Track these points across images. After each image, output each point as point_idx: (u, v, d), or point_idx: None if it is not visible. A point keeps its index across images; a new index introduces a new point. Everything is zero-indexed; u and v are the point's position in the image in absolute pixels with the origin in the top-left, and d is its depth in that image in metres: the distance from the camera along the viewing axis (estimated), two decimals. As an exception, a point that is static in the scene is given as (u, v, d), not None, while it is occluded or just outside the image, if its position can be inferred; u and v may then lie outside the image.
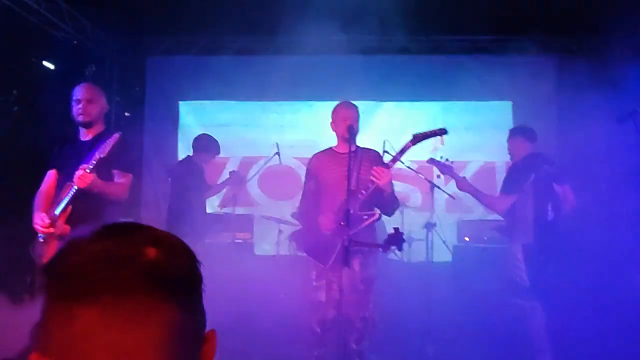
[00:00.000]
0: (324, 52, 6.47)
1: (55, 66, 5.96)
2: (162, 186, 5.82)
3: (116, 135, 2.86)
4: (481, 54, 6.53)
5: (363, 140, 3.47)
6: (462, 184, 3.95)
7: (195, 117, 6.71)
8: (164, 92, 6.62)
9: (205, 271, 0.71)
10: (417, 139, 3.14)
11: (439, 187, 5.03)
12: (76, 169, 2.87)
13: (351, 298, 3.01)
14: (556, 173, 3.83)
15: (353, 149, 3.23)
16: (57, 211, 2.89)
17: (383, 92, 6.55)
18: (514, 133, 4.14)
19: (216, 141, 4.90)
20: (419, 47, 6.64)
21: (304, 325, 3.29)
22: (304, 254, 3.30)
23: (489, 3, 5.24)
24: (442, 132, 3.18)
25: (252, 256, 5.47)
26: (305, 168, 3.57)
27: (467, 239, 5.31)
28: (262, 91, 6.39)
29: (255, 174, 5.76)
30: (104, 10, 5.89)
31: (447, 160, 4.01)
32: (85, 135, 3.13)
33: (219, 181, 5.50)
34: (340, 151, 3.28)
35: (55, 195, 3.01)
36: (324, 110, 6.29)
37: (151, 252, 0.64)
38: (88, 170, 2.81)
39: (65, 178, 2.98)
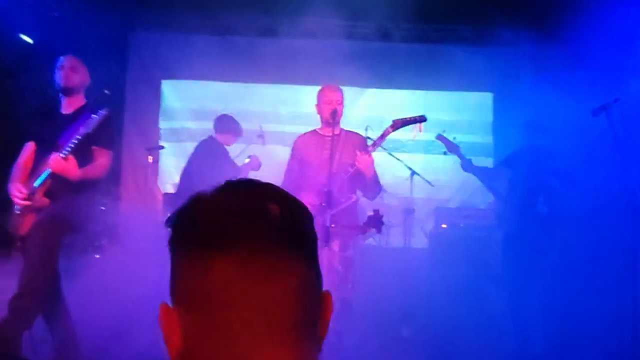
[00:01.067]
0: (309, 37, 6.47)
1: (34, 40, 5.83)
2: (142, 165, 5.77)
3: (104, 113, 2.83)
4: (463, 44, 6.59)
5: (345, 126, 3.51)
6: (466, 165, 4.08)
7: (178, 97, 6.65)
8: (146, 70, 6.53)
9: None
10: (397, 125, 3.21)
11: (417, 173, 5.12)
12: (56, 142, 2.84)
13: (329, 278, 3.07)
14: (554, 167, 3.93)
15: (337, 132, 3.28)
16: (37, 184, 2.86)
17: (366, 79, 6.58)
18: (518, 125, 4.30)
19: (238, 123, 4.91)
20: (402, 35, 6.68)
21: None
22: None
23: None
24: (421, 119, 3.26)
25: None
26: (287, 149, 3.61)
27: (444, 226, 5.41)
28: (246, 73, 6.37)
29: (239, 154, 5.74)
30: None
31: (454, 138, 4.13)
32: (66, 108, 3.09)
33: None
34: (324, 134, 3.33)
35: (35, 168, 2.97)
36: (308, 94, 6.42)
37: (275, 208, 0.65)
38: (63, 156, 2.78)
39: (44, 150, 2.94)
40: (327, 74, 6.31)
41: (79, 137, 2.79)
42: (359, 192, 3.19)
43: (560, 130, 4.96)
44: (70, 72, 3.06)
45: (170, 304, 0.66)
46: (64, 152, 2.78)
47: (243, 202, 0.65)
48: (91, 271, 4.11)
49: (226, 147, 4.90)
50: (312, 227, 0.71)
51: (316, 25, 6.52)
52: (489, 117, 6.71)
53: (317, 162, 3.26)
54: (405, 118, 3.24)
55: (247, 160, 5.07)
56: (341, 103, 3.34)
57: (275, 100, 6.66)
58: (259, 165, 5.04)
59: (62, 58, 3.11)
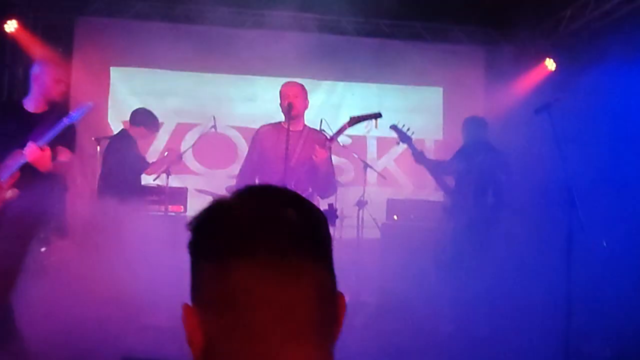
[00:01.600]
0: (263, 27, 6.43)
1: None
2: (90, 155, 5.59)
3: (90, 105, 2.92)
4: (416, 40, 6.75)
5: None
6: (418, 157, 4.21)
7: (127, 85, 6.45)
8: (94, 56, 6.30)
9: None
10: (354, 120, 3.26)
11: (370, 166, 5.22)
12: (22, 138, 2.85)
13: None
14: (502, 162, 4.12)
15: (299, 127, 3.29)
16: (4, 177, 2.88)
17: (321, 71, 6.62)
18: (468, 121, 4.44)
19: (156, 117, 4.78)
20: (357, 29, 6.75)
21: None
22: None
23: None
24: (377, 115, 3.32)
25: (184, 230, 5.42)
26: (240, 137, 3.60)
27: (395, 217, 5.56)
28: (198, 62, 6.27)
29: (191, 144, 5.67)
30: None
31: (408, 129, 4.22)
32: (34, 107, 3.09)
33: (150, 152, 5.36)
34: (286, 127, 3.32)
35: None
36: (262, 85, 6.41)
37: (292, 213, 0.68)
38: (39, 146, 2.81)
39: (8, 145, 2.93)
40: (282, 66, 6.34)
41: (60, 129, 2.83)
42: (311, 189, 3.22)
43: (505, 126, 5.21)
44: (63, 85, 3.16)
45: (190, 304, 0.69)
46: (40, 143, 2.80)
47: (261, 207, 0.68)
48: (39, 265, 4.00)
49: (141, 140, 4.77)
50: (328, 230, 0.73)
51: (270, 17, 6.49)
52: (439, 110, 6.91)
53: (275, 155, 3.26)
54: (362, 115, 3.30)
55: (166, 154, 5.04)
56: (299, 96, 3.32)
57: (228, 90, 6.58)
58: (179, 157, 4.99)
59: (56, 69, 3.18)
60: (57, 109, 3.10)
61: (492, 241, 3.94)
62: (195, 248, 0.69)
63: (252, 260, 0.64)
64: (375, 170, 4.95)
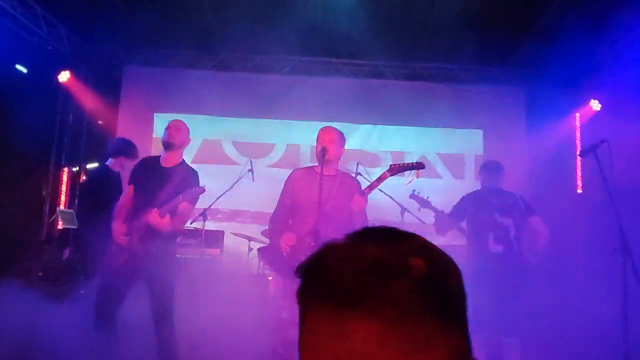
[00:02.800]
0: (302, 73, 6.57)
1: (28, 70, 5.87)
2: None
3: (202, 189, 3.27)
4: (454, 83, 6.71)
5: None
6: (441, 220, 4.12)
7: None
8: (139, 103, 6.56)
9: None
10: (394, 169, 3.15)
11: (408, 210, 5.10)
12: (155, 191, 3.32)
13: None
14: (518, 206, 3.92)
15: (332, 172, 3.25)
16: (136, 230, 3.31)
17: (358, 115, 6.66)
18: (481, 167, 4.32)
19: (134, 146, 4.78)
20: (395, 73, 6.79)
21: (266, 346, 3.25)
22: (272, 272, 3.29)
23: (464, 34, 5.41)
24: (419, 166, 3.20)
25: (220, 273, 5.41)
26: (277, 182, 3.59)
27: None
28: (239, 108, 6.42)
29: (229, 189, 5.73)
30: (82, 17, 5.85)
31: (427, 197, 4.17)
32: (166, 162, 3.49)
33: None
34: (319, 172, 3.28)
35: (135, 210, 3.38)
36: (299, 129, 6.47)
37: (420, 264, 0.57)
38: (160, 214, 3.19)
39: (143, 195, 3.38)
40: (320, 111, 6.41)
41: (177, 203, 3.22)
42: None
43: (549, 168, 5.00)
44: (175, 131, 3.49)
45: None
46: (162, 210, 3.20)
47: (383, 255, 0.57)
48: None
49: (119, 170, 4.70)
50: (462, 286, 0.61)
51: (309, 63, 6.63)
52: (479, 152, 6.76)
53: (308, 201, 3.20)
54: (403, 164, 3.19)
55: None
56: (334, 142, 3.27)
57: (269, 134, 6.68)
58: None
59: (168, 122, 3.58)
60: (183, 165, 3.52)
61: (522, 291, 3.68)
62: (305, 296, 0.60)
63: (373, 318, 0.54)
64: (413, 215, 4.80)
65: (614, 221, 2.97)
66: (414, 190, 4.19)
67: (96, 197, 4.53)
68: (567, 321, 3.93)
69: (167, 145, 3.49)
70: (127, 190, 3.58)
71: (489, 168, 4.13)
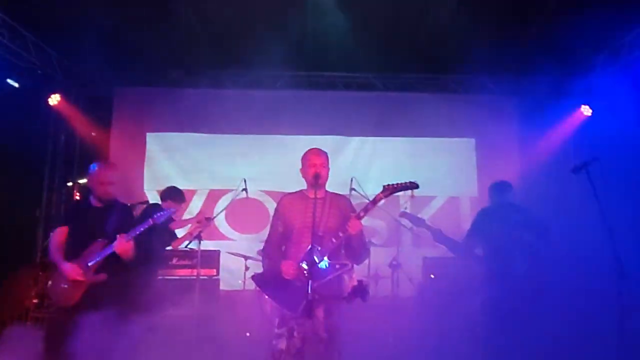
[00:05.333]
0: (293, 87, 6.56)
1: (19, 94, 5.85)
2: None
3: (173, 211, 3.48)
4: (445, 93, 6.72)
5: (330, 174, 3.44)
6: (437, 236, 4.11)
7: (162, 149, 6.64)
8: (131, 123, 6.54)
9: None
10: (388, 191, 3.13)
11: (404, 225, 5.11)
12: (89, 230, 3.40)
13: (314, 349, 2.98)
14: (527, 221, 3.92)
15: (321, 195, 3.23)
16: (90, 263, 3.37)
17: (350, 128, 6.66)
18: (493, 186, 4.31)
19: (182, 191, 4.99)
20: (385, 84, 6.79)
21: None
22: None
23: (455, 43, 5.41)
24: (413, 186, 3.18)
25: (217, 293, 5.38)
26: (272, 201, 3.58)
27: (432, 276, 5.36)
28: (230, 125, 6.42)
29: (222, 210, 5.73)
30: (71, 40, 5.82)
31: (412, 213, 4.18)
32: (97, 202, 3.55)
33: (185, 217, 5.43)
34: (310, 195, 3.27)
35: (75, 248, 3.42)
36: (292, 144, 6.45)
37: None
38: (127, 240, 3.28)
39: (77, 234, 3.46)
40: (313, 124, 6.41)
41: (146, 227, 3.29)
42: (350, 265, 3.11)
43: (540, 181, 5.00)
44: (112, 187, 3.52)
45: None
46: (128, 237, 3.27)
47: None
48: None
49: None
50: None
51: (302, 77, 6.62)
52: (472, 162, 6.76)
53: (301, 226, 3.19)
54: (397, 184, 3.17)
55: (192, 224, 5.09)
56: (325, 166, 3.28)
57: (260, 150, 6.65)
58: (208, 220, 5.17)
59: (110, 172, 3.56)
60: (116, 202, 3.55)
61: (526, 312, 3.68)
62: None
63: None
64: (410, 231, 4.82)
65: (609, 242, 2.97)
66: (405, 208, 4.21)
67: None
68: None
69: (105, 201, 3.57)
70: (61, 230, 3.58)
71: (500, 185, 4.18)
